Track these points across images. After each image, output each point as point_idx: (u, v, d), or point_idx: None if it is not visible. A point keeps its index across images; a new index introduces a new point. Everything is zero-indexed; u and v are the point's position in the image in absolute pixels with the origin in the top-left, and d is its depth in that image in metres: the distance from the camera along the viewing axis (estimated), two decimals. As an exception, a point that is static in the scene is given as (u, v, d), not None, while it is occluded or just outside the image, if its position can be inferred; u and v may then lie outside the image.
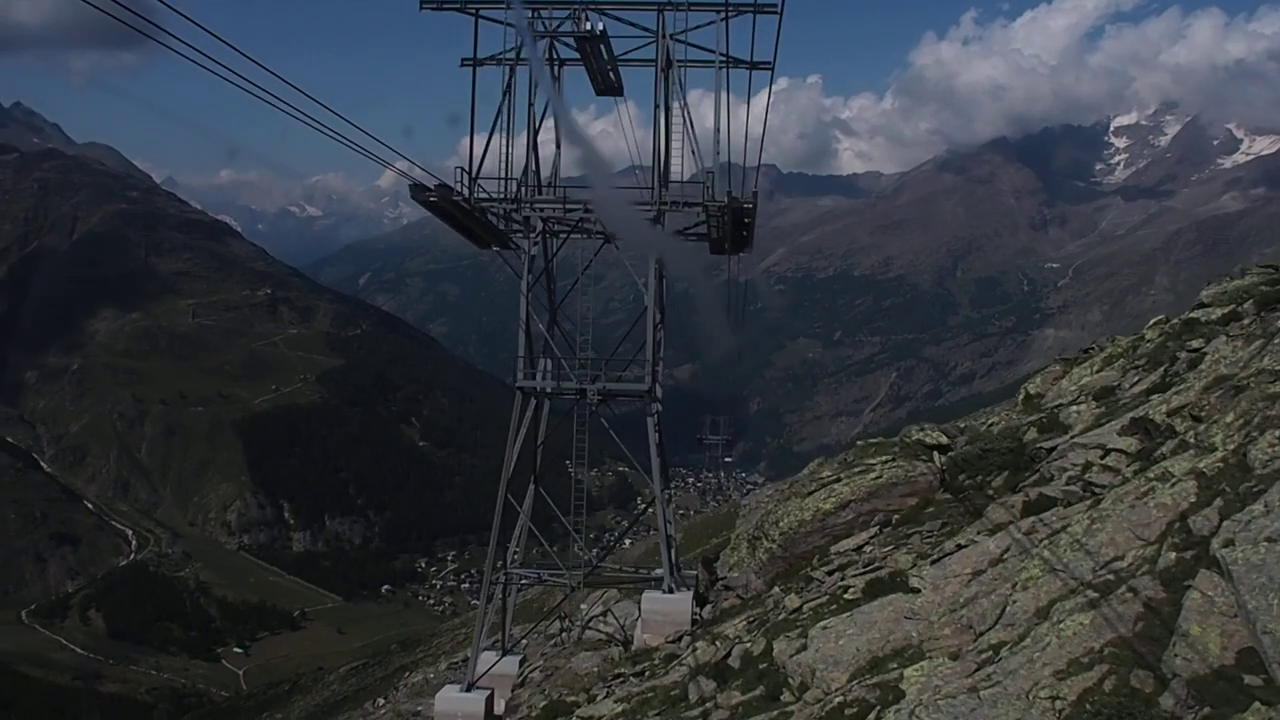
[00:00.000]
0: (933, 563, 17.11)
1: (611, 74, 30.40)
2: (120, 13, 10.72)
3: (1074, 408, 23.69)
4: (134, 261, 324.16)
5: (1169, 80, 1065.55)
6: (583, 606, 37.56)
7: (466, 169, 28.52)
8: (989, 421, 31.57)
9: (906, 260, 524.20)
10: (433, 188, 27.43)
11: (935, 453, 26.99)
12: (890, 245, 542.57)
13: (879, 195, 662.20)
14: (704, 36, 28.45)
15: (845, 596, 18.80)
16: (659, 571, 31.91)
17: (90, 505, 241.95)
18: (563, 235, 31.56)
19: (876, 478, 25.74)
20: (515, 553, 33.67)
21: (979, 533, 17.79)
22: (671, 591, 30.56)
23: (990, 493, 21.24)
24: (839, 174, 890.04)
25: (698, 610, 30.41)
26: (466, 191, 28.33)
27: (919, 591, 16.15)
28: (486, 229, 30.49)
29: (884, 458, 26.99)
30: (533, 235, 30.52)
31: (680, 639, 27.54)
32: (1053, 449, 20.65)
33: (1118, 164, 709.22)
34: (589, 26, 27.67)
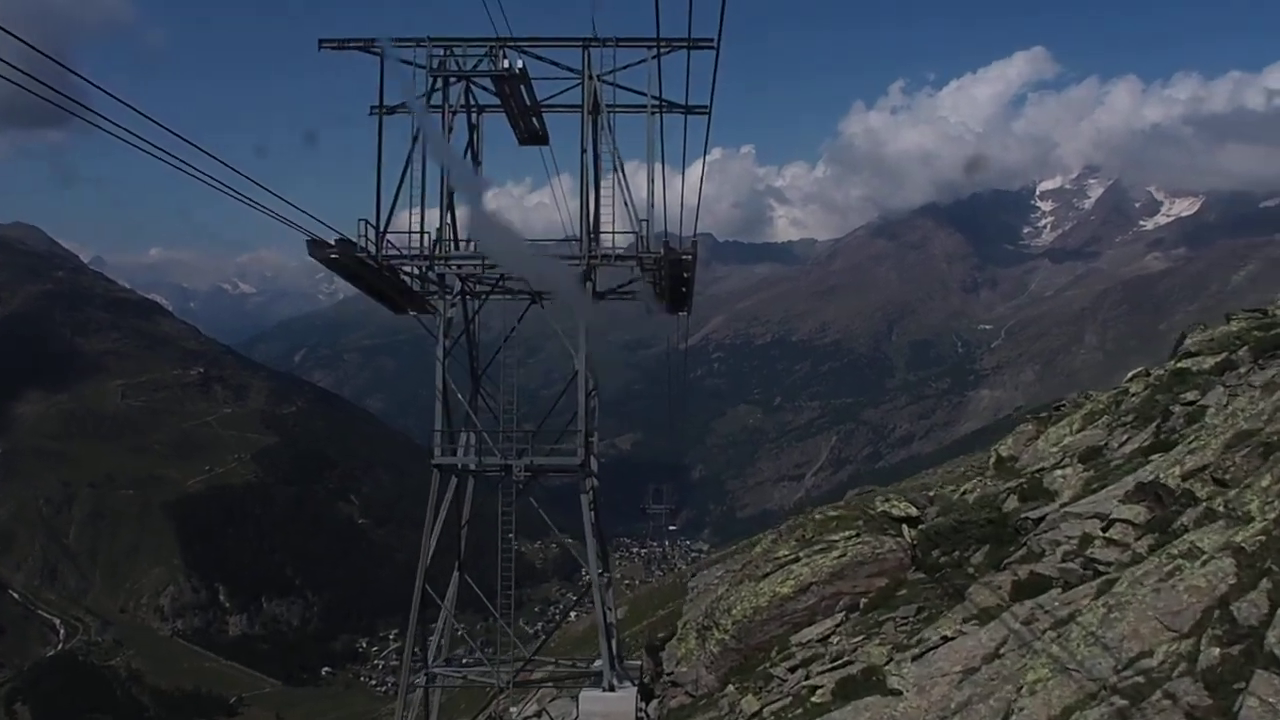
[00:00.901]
0: (914, 658, 14.94)
1: (535, 120, 28.07)
2: (42, 89, 10.91)
3: (1058, 472, 21.47)
4: (60, 342, 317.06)
5: (1090, 145, 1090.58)
6: (512, 710, 33.61)
7: (374, 223, 25.69)
8: (961, 489, 28.60)
9: (843, 325, 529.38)
10: (333, 243, 24.55)
11: (904, 525, 24.56)
12: (826, 311, 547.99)
13: (814, 261, 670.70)
14: (634, 78, 26.10)
15: (812, 700, 16.77)
16: (598, 664, 28.81)
17: (16, 594, 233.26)
18: (484, 295, 29.05)
19: (840, 556, 23.03)
20: (440, 647, 30.81)
21: (965, 620, 15.75)
22: (613, 689, 27.27)
23: (971, 571, 19.16)
24: (774, 241, 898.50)
25: (643, 708, 27.64)
26: (372, 248, 25.52)
27: (900, 694, 14.02)
28: (399, 290, 27.91)
29: (847, 533, 24.36)
30: (449, 296, 28.08)
31: None
32: (1040, 519, 18.58)
33: (1044, 227, 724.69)
34: (507, 65, 25.20)
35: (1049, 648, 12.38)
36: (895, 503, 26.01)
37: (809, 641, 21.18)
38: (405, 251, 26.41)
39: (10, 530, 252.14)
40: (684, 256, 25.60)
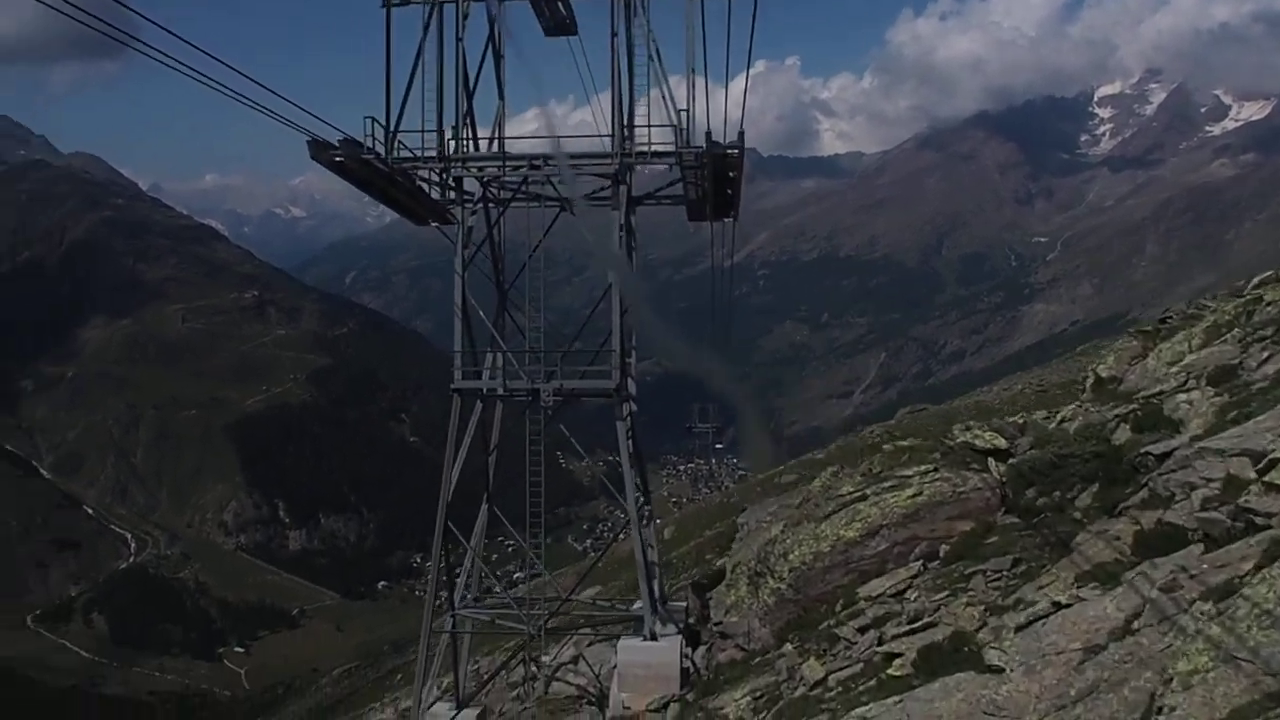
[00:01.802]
0: (1018, 628, 12.42)
1: (561, 5, 25.55)
2: (96, 22, 11.45)
3: (1181, 396, 17.91)
4: (122, 269, 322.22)
5: (1152, 48, 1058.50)
6: (544, 657, 30.47)
7: (381, 122, 23.23)
8: (1058, 416, 23.74)
9: (891, 239, 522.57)
10: (337, 144, 22.48)
11: (990, 459, 20.92)
12: (874, 225, 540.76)
13: (861, 175, 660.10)
14: None
15: (889, 671, 14.30)
16: (638, 606, 26.53)
17: (90, 510, 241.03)
18: (507, 201, 26.44)
19: (914, 495, 19.61)
20: (468, 586, 28.78)
21: (1079, 581, 13.08)
22: (654, 638, 25.03)
23: (1077, 516, 16.24)
24: (820, 155, 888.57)
25: (688, 655, 25.39)
26: (381, 149, 23.22)
27: (1003, 672, 11.64)
28: (415, 197, 25.51)
29: (922, 467, 20.80)
30: (469, 203, 25.62)
31: (666, 706, 22.91)
32: (1166, 455, 15.29)
33: (1103, 135, 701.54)
34: None
35: (1207, 628, 9.64)
36: (979, 432, 22.08)
37: (880, 595, 18.29)
38: (417, 153, 24.01)
39: (81, 450, 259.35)
40: (729, 152, 22.75)
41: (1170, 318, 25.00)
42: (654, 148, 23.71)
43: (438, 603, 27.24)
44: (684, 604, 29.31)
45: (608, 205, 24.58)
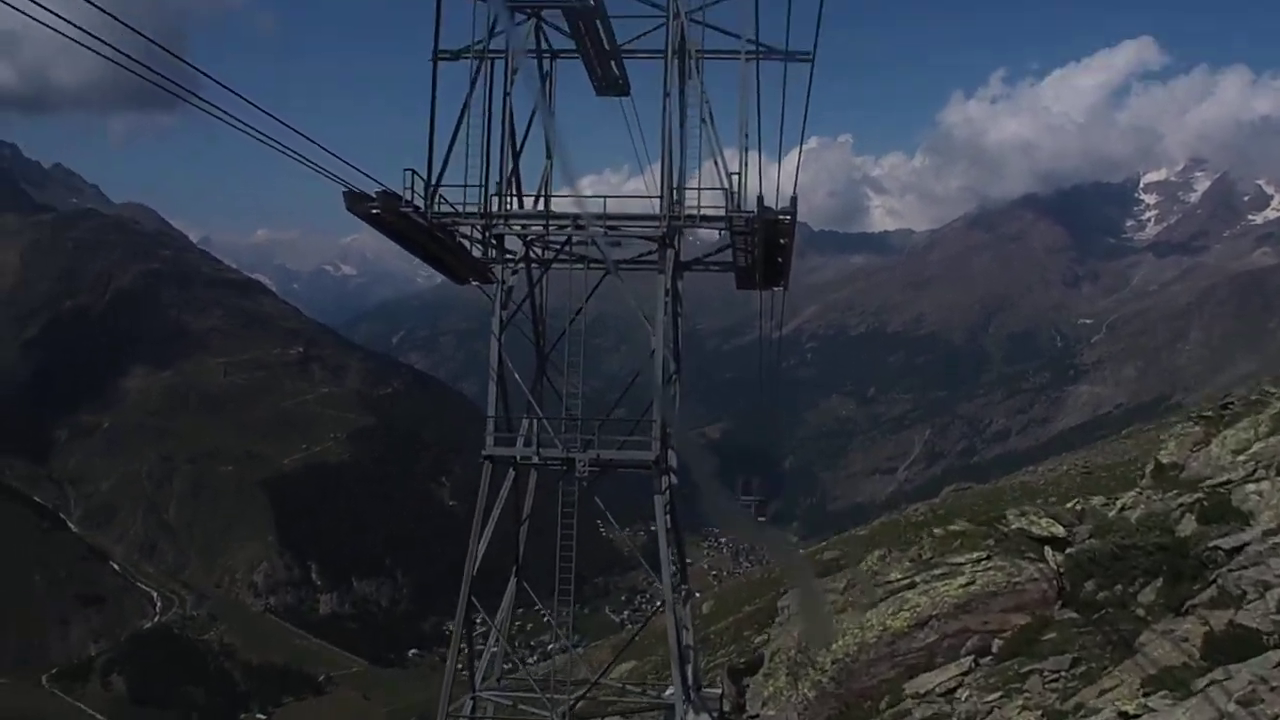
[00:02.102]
0: None
1: (615, 65, 24.72)
2: (154, 75, 11.80)
3: (1250, 487, 16.79)
4: (166, 320, 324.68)
5: (1196, 137, 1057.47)
6: None
7: (423, 175, 22.62)
8: (1118, 503, 22.50)
9: (939, 317, 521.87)
10: (375, 195, 21.63)
11: (1047, 548, 19.75)
12: (922, 302, 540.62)
13: (910, 252, 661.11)
14: (725, 16, 22.95)
15: None
16: (670, 694, 24.87)
17: (117, 566, 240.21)
18: (549, 262, 25.40)
19: (967, 584, 18.53)
20: (490, 668, 27.47)
21: (1145, 688, 11.92)
22: None
23: (1140, 613, 15.30)
24: (870, 231, 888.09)
25: None
26: (421, 202, 22.51)
27: None
28: (456, 254, 24.58)
29: (975, 554, 19.77)
30: (510, 262, 24.61)
31: None
32: (1237, 550, 14.36)
33: (1148, 220, 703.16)
34: None
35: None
36: (1035, 519, 20.96)
37: (928, 693, 17.10)
38: (459, 208, 23.29)
39: (113, 503, 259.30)
40: (781, 218, 21.98)
41: (1231, 403, 24.03)
42: (704, 211, 23.04)
43: (460, 677, 26.22)
44: (719, 690, 27.84)
45: (655, 269, 23.84)
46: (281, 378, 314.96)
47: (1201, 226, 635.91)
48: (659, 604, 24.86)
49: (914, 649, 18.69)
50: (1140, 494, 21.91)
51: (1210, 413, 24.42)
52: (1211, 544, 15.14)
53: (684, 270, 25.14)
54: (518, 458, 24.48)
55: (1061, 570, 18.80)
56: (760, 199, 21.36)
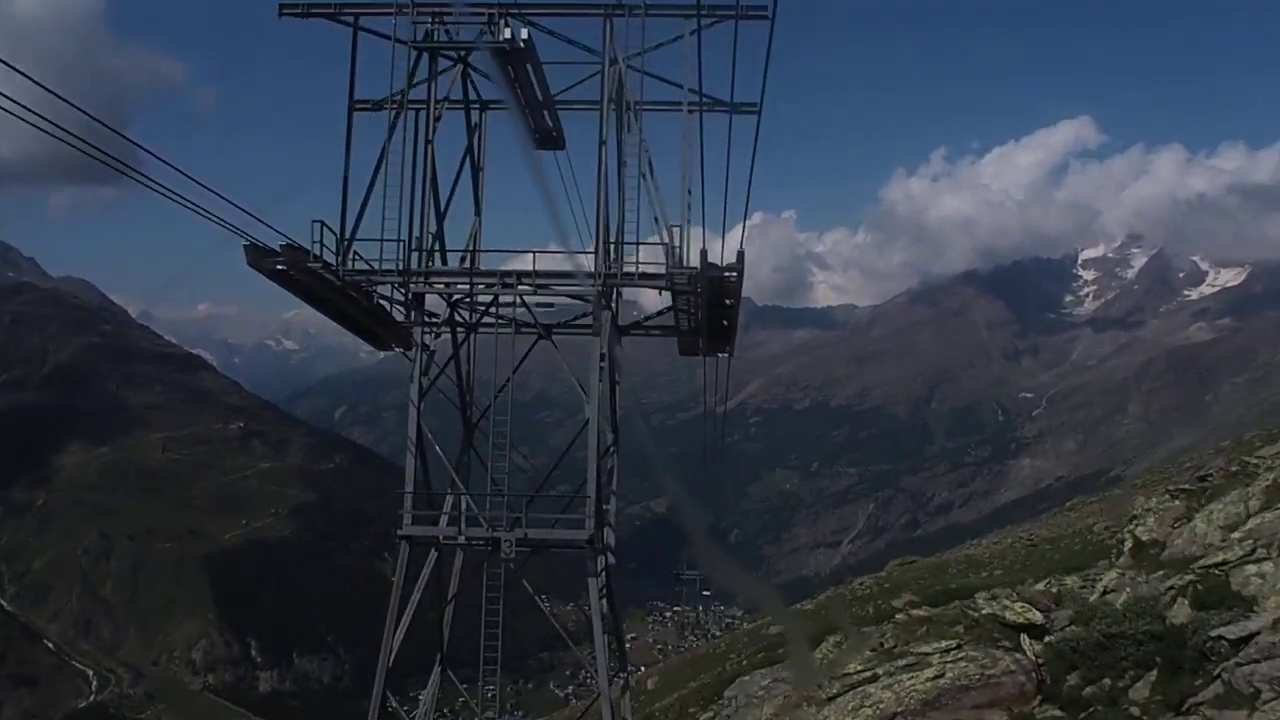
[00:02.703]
0: None
1: (547, 117, 22.90)
2: (94, 151, 11.91)
3: (1251, 569, 15.45)
4: (104, 395, 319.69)
5: (1133, 214, 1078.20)
6: None
7: (334, 229, 20.63)
8: (1099, 584, 20.27)
9: (882, 391, 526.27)
10: (279, 250, 19.87)
11: (1024, 636, 17.81)
12: (866, 376, 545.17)
13: (854, 327, 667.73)
14: (667, 64, 21.04)
15: None
16: None
17: (50, 645, 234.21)
18: (478, 323, 23.17)
19: (935, 677, 16.50)
20: None
21: None
22: None
23: (1134, 711, 13.68)
24: (814, 306, 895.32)
25: None
26: (333, 259, 20.51)
27: None
28: (376, 317, 22.66)
29: (943, 643, 17.84)
30: (432, 324, 22.52)
31: None
32: (1244, 640, 13.00)
33: (1087, 295, 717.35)
34: (509, 35, 19.80)
35: None
36: (1008, 603, 18.98)
37: None
38: (375, 265, 21.16)
39: (47, 580, 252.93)
40: (727, 275, 20.04)
41: (1209, 475, 22.65)
42: (642, 268, 21.28)
43: None
44: None
45: (589, 333, 22.00)
46: (222, 453, 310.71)
47: (1138, 302, 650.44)
48: (594, 699, 23.20)
49: None
50: (1122, 575, 19.59)
51: (1188, 485, 23.06)
52: (1213, 633, 13.72)
53: (623, 335, 23.44)
54: (441, 538, 22.78)
55: (1041, 661, 16.86)
56: (704, 254, 19.57)
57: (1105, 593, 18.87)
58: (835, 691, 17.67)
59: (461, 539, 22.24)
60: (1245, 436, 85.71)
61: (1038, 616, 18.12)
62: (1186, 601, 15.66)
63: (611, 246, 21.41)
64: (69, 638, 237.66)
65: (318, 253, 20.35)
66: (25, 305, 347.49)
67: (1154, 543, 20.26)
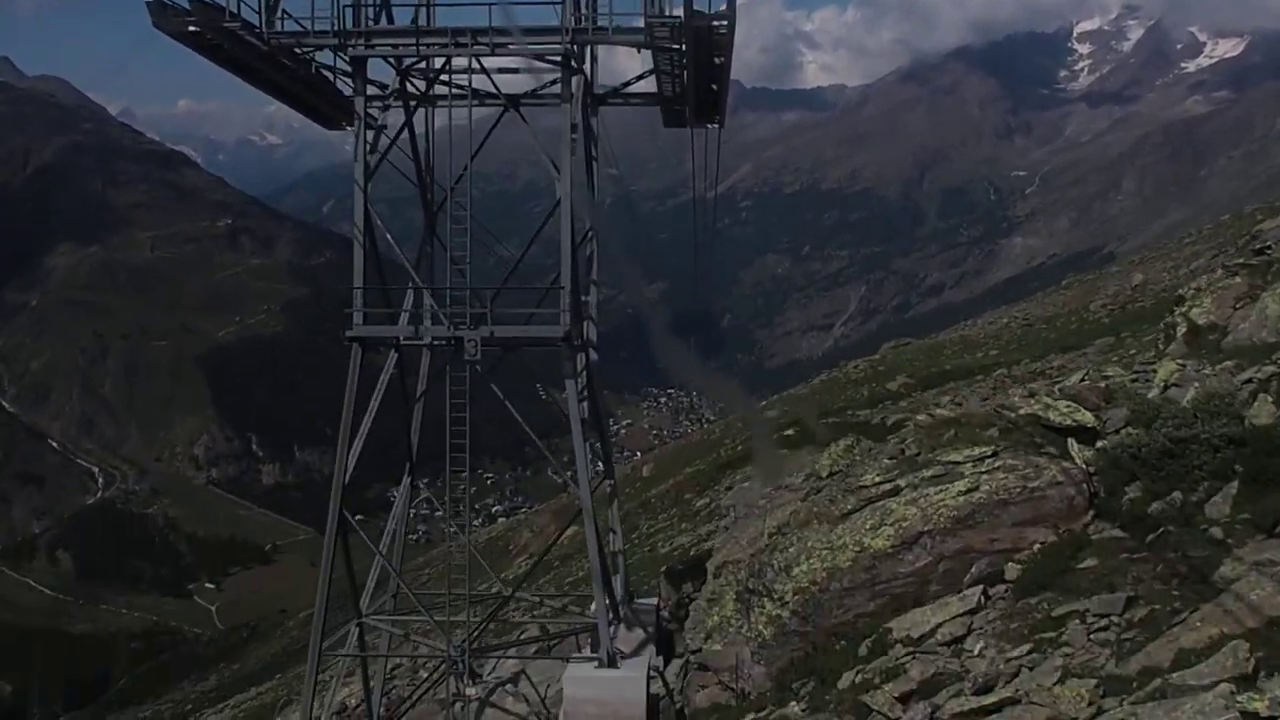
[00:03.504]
0: None
1: None
2: None
3: None
4: (90, 195, 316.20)
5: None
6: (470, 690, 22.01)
7: None
8: (1158, 377, 16.18)
9: (873, 173, 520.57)
10: (189, 5, 17.09)
11: (1071, 441, 14.52)
12: (856, 158, 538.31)
13: (844, 108, 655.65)
14: None
15: None
16: (594, 612, 19.85)
17: (55, 444, 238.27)
18: (426, 93, 20.25)
19: (968, 490, 13.68)
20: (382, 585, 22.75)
21: (1254, 651, 8.42)
22: (613, 662, 18.77)
23: (1215, 532, 11.11)
24: (803, 88, 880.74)
25: (659, 673, 19.63)
26: (255, 18, 17.64)
27: None
28: (319, 90, 19.93)
29: (975, 450, 14.68)
30: (384, 96, 19.51)
31: None
32: None
33: (1081, 70, 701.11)
34: None
35: None
36: (1050, 401, 15.44)
37: (924, 638, 12.73)
38: (306, 26, 18.21)
39: (46, 382, 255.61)
40: (716, 25, 16.80)
41: (1269, 247, 18.55)
42: (618, 21, 18.29)
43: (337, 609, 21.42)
44: (655, 602, 23.04)
45: (556, 102, 19.10)
46: (211, 251, 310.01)
47: (1134, 75, 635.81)
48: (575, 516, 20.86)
49: (901, 575, 13.89)
50: (1183, 366, 15.86)
51: (1246, 260, 18.92)
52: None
53: (600, 104, 21.14)
54: (401, 338, 20.53)
55: (1093, 470, 13.79)
56: (689, 3, 16.49)
57: (1165, 387, 15.42)
58: (849, 506, 14.88)
59: (422, 340, 20.03)
60: (1246, 210, 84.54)
61: (1088, 417, 14.75)
62: (1270, 398, 12.82)
63: None
64: (72, 436, 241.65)
65: (237, 9, 17.39)
66: (3, 105, 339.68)
67: (1212, 327, 16.90)
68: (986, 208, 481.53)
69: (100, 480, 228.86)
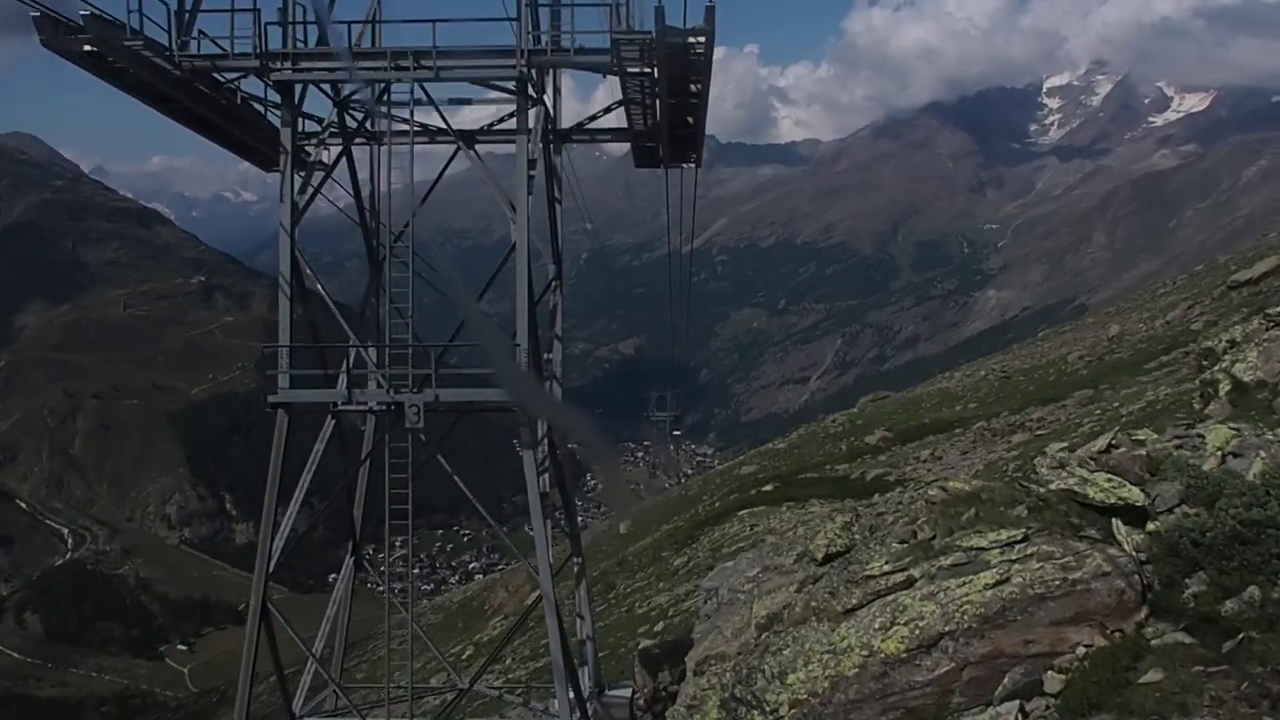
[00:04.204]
0: None
1: None
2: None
3: None
4: (61, 253, 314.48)
5: (1098, 40, 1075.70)
6: None
7: None
8: (1210, 444, 12.34)
9: (847, 226, 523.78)
10: (81, 20, 14.95)
11: (1116, 521, 11.04)
12: (831, 212, 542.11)
13: (818, 162, 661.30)
14: None
15: None
16: (557, 701, 17.88)
17: (23, 504, 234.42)
18: (362, 126, 18.17)
19: (997, 581, 10.40)
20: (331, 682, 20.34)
21: None
22: None
23: None
24: (778, 142, 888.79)
25: None
26: (164, 37, 15.55)
27: None
28: (250, 124, 17.92)
29: (1005, 532, 11.17)
30: (316, 133, 17.64)
31: None
32: None
33: (1052, 124, 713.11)
34: None
35: None
36: (1090, 476, 11.66)
37: None
38: (225, 48, 16.09)
39: (15, 441, 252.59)
40: (691, 43, 14.59)
41: None
42: (580, 40, 16.14)
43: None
44: (628, 693, 20.69)
45: (514, 136, 16.87)
46: (184, 308, 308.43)
47: (1103, 130, 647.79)
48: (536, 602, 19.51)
49: (918, 685, 10.58)
50: (1239, 432, 12.28)
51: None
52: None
53: (564, 141, 19.25)
54: (337, 403, 18.47)
55: (1144, 560, 10.60)
56: (659, 11, 14.07)
57: (1224, 458, 11.94)
58: (854, 601, 11.72)
59: (357, 405, 17.97)
60: (1220, 260, 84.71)
61: (1135, 494, 11.30)
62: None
63: (541, 11, 16.80)
64: (41, 497, 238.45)
65: (139, 26, 15.23)
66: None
67: (1261, 384, 13.74)
68: (960, 261, 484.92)
69: (70, 540, 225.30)
